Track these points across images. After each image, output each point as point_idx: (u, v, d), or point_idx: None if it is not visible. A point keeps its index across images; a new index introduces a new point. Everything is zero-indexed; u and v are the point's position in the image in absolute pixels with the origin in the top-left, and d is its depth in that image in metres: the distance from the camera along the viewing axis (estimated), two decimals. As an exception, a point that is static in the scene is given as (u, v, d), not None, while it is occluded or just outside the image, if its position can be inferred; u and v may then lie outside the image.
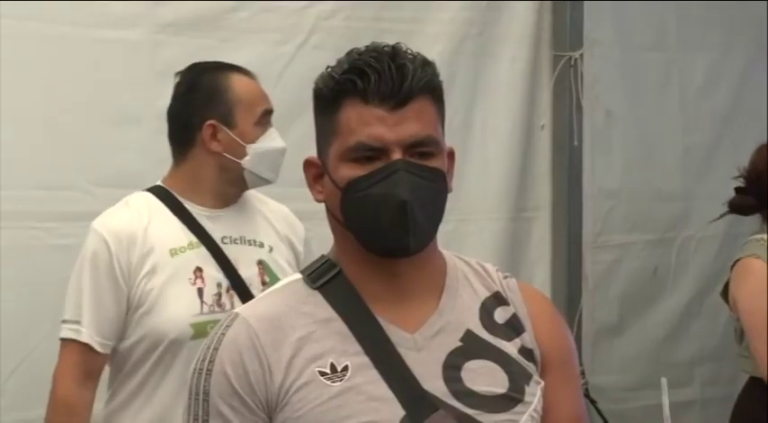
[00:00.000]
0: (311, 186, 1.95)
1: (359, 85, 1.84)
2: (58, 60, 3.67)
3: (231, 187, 3.13)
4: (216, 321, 2.97)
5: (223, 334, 1.88)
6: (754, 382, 3.89)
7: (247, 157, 3.09)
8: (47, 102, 3.64)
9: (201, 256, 3.06)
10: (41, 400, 3.58)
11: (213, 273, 3.05)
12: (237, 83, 3.12)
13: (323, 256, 1.98)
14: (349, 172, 1.86)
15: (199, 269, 3.04)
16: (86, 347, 3.03)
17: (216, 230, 3.09)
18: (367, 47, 1.88)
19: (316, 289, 1.92)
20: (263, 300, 1.96)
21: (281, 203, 3.31)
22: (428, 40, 4.11)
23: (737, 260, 3.92)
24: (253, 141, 3.10)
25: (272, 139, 3.13)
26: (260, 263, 3.12)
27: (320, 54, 3.98)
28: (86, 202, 3.68)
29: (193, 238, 3.07)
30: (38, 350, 3.58)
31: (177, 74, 3.20)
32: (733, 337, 4.05)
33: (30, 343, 3.59)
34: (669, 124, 4.97)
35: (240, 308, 1.95)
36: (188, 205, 3.10)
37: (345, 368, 1.85)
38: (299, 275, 1.97)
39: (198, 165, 3.12)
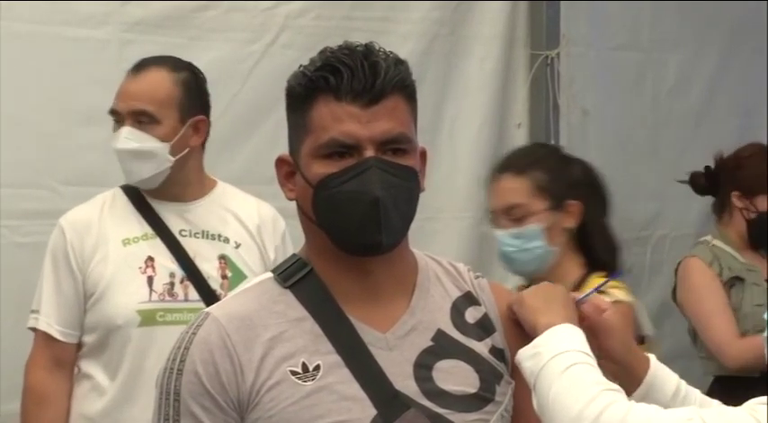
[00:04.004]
0: (283, 185, 1.94)
1: (331, 82, 1.84)
2: (25, 58, 3.65)
3: (163, 182, 3.14)
4: (166, 310, 3.01)
5: (194, 333, 1.87)
6: (717, 381, 3.91)
7: None
8: (14, 99, 3.62)
9: (154, 247, 3.08)
10: (5, 394, 3.57)
11: (166, 263, 3.07)
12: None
13: (293, 255, 1.97)
14: (321, 169, 1.85)
15: (150, 258, 3.07)
16: (48, 336, 3.08)
17: (175, 223, 3.12)
18: (340, 45, 1.87)
19: (287, 288, 1.91)
20: (234, 299, 1.95)
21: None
22: (398, 39, 4.11)
23: (679, 263, 3.98)
24: None
25: (114, 141, 3.13)
26: (222, 257, 3.13)
27: (289, 53, 3.98)
28: (53, 200, 3.67)
29: (149, 230, 3.10)
30: (1, 346, 3.57)
31: None
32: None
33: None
34: (643, 124, 5.00)
35: (211, 307, 1.93)
36: (149, 199, 3.13)
37: (317, 368, 1.85)
38: (269, 274, 1.96)
39: None
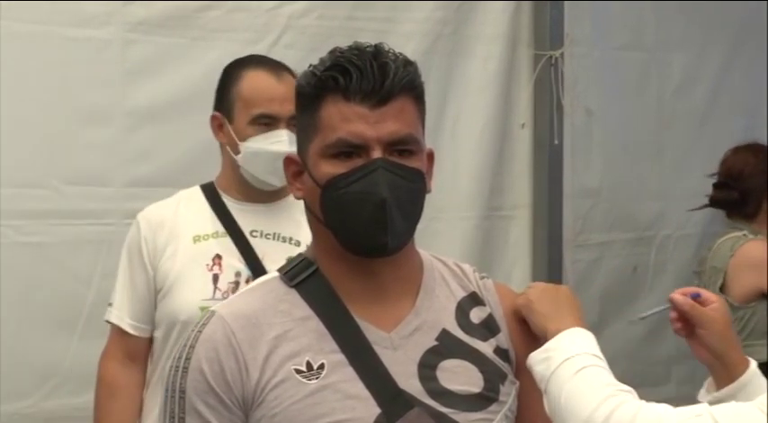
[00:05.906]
0: (291, 184, 1.95)
1: (341, 82, 1.84)
2: (28, 58, 3.65)
3: (247, 184, 3.10)
4: None
5: (200, 332, 1.88)
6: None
7: (240, 155, 3.07)
8: (17, 99, 3.62)
9: (224, 246, 3.07)
10: (5, 394, 3.56)
11: (233, 262, 3.05)
12: (247, 79, 3.09)
13: (299, 255, 1.98)
14: (329, 169, 1.85)
15: (218, 257, 3.05)
16: (120, 329, 3.10)
17: (247, 224, 3.10)
18: (350, 46, 1.88)
19: (292, 287, 1.92)
20: (240, 298, 1.95)
21: None
22: (401, 39, 4.11)
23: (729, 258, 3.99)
24: (245, 139, 3.06)
25: (269, 141, 3.04)
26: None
27: (292, 53, 3.97)
28: (55, 200, 3.68)
29: (220, 228, 3.09)
30: (1, 346, 3.56)
31: None
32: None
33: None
34: (647, 123, 5.00)
35: (216, 306, 1.94)
36: (225, 198, 3.13)
37: (321, 366, 1.85)
38: (275, 274, 1.96)
39: (223, 156, 3.15)
